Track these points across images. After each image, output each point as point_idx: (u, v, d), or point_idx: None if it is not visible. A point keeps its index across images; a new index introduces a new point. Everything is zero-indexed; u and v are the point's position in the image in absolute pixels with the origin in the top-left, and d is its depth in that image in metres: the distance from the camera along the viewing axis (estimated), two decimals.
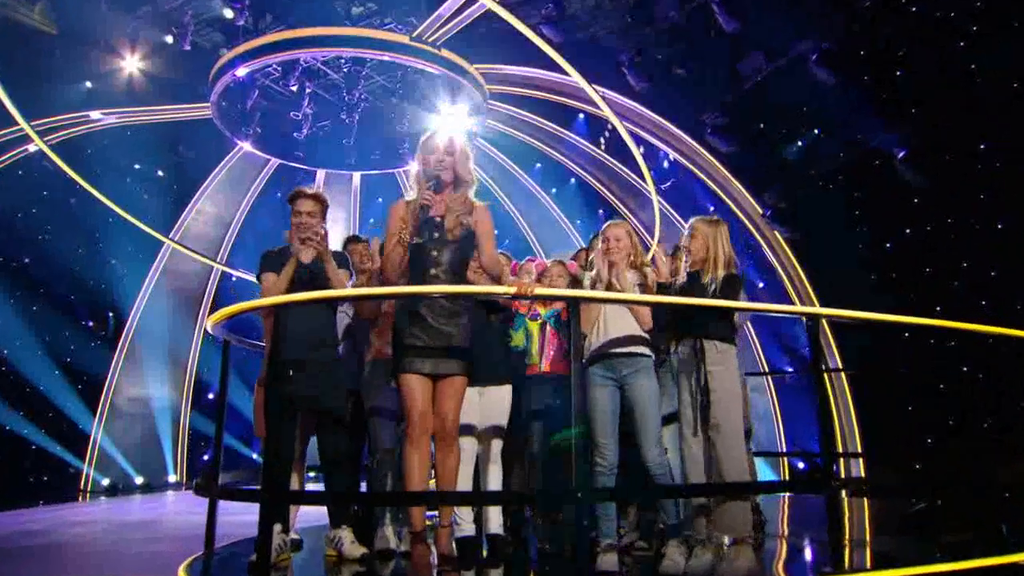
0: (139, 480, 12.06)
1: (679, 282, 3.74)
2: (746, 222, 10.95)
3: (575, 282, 4.31)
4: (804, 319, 3.64)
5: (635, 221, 13.47)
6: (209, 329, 3.59)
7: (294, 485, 3.99)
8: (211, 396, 13.37)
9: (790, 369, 11.11)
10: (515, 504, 4.14)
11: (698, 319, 3.57)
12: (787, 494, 10.11)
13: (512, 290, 3.00)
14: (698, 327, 3.58)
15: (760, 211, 10.07)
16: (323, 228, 3.86)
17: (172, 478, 12.67)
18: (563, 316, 3.99)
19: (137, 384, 12.38)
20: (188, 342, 13.36)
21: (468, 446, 3.88)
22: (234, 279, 13.93)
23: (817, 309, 3.60)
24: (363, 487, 4.64)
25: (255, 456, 13.58)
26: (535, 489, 4.10)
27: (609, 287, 3.78)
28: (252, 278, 13.41)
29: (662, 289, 3.76)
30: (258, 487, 3.34)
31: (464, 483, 3.77)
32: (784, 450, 10.91)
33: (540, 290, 3.08)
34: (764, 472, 10.25)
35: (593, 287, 3.88)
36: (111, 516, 8.40)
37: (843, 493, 6.21)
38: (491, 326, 4.01)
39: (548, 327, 4.06)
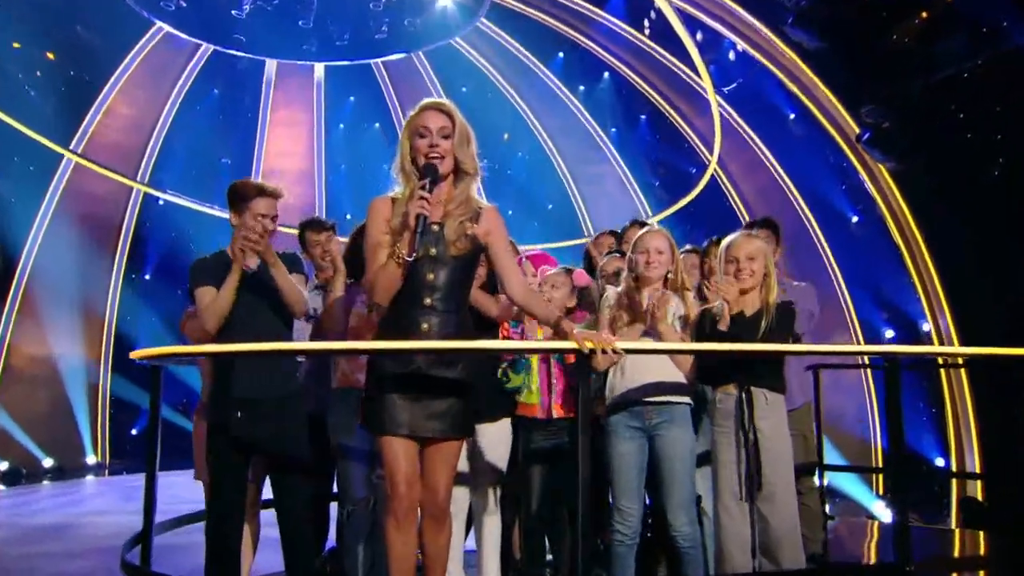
0: (48, 463, 12.21)
1: (717, 312, 3.66)
2: (838, 139, 10.68)
3: (582, 296, 4.24)
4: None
5: (688, 131, 13.21)
6: (133, 357, 3.53)
7: (247, 540, 4.00)
8: None
9: (891, 332, 11.08)
10: None
11: (747, 363, 3.60)
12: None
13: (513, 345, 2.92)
14: (746, 373, 3.59)
15: (856, 130, 9.79)
16: (269, 225, 3.72)
17: (91, 459, 12.86)
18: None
19: (38, 341, 12.36)
20: (103, 285, 13.32)
21: (460, 495, 3.86)
22: (161, 203, 13.84)
23: (895, 348, 3.66)
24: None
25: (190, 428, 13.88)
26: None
27: (636, 316, 3.74)
28: (185, 201, 13.42)
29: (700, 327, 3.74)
30: None
31: (455, 537, 3.72)
32: (878, 431, 11.01)
33: (547, 343, 2.97)
34: (851, 481, 10.35)
35: (621, 311, 3.81)
36: (14, 516, 8.52)
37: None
38: None
39: (551, 357, 4.03)
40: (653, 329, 3.73)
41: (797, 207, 11.98)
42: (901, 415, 3.67)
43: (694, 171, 13.45)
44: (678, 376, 3.74)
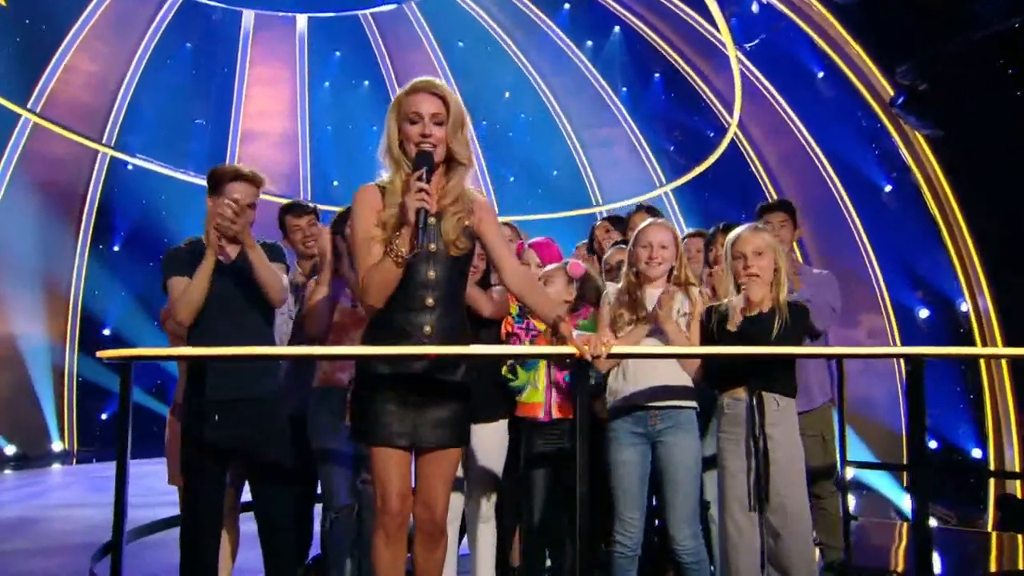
0: (10, 450, 12.27)
1: (724, 310, 3.67)
2: (870, 100, 10.59)
3: (583, 288, 4.25)
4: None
5: (707, 91, 13.09)
6: (101, 356, 3.52)
7: (225, 548, 4.05)
8: (106, 332, 13.49)
9: (925, 312, 11.05)
10: None
11: (759, 366, 3.59)
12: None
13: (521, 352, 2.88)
14: (757, 377, 3.58)
15: (890, 92, 9.71)
16: (251, 215, 3.72)
17: (57, 446, 12.93)
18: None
19: None
20: (67, 259, 13.30)
21: (455, 501, 3.86)
22: (129, 168, 13.75)
23: (920, 349, 3.59)
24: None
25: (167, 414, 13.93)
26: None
27: (637, 314, 3.75)
28: (156, 167, 13.33)
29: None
30: None
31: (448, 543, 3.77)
32: (905, 420, 11.02)
33: (542, 349, 2.94)
34: (879, 475, 10.35)
35: (622, 309, 3.82)
36: None
37: None
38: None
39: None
40: (660, 328, 3.72)
41: (824, 174, 11.92)
42: (924, 420, 3.63)
43: (712, 135, 13.42)
44: (684, 379, 3.76)
